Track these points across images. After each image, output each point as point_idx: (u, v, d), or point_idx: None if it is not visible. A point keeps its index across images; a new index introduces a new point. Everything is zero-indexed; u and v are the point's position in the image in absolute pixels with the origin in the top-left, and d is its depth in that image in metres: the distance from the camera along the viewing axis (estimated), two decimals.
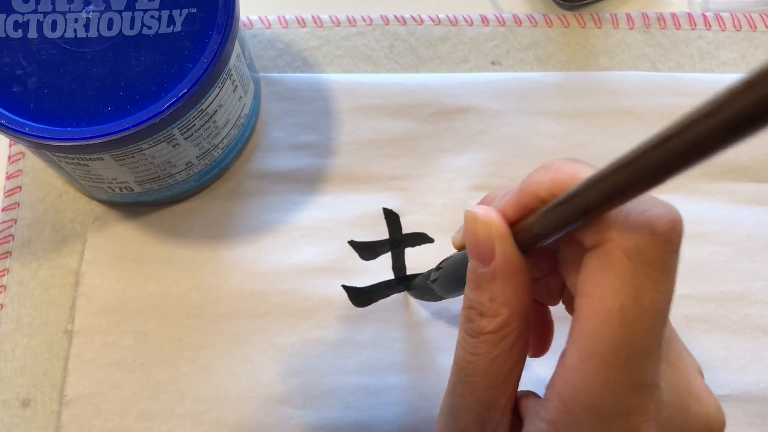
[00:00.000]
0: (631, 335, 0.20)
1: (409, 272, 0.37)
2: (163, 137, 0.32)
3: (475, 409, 0.23)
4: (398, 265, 0.37)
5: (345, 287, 0.36)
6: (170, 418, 0.34)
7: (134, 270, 0.37)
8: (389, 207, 0.38)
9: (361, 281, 0.37)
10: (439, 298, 0.32)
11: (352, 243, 0.37)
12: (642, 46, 0.40)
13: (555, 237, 0.22)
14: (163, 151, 0.33)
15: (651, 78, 0.39)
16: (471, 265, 0.23)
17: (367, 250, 0.37)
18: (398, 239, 0.37)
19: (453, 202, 0.38)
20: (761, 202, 0.37)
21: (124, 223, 0.37)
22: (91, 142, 0.30)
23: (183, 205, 0.38)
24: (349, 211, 0.38)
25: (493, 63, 0.40)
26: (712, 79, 0.39)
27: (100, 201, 0.38)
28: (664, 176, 0.17)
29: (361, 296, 0.36)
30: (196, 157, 0.35)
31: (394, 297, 0.36)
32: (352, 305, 0.36)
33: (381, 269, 0.37)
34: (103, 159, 0.32)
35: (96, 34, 0.32)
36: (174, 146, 0.33)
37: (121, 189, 0.35)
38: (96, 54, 0.32)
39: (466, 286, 0.24)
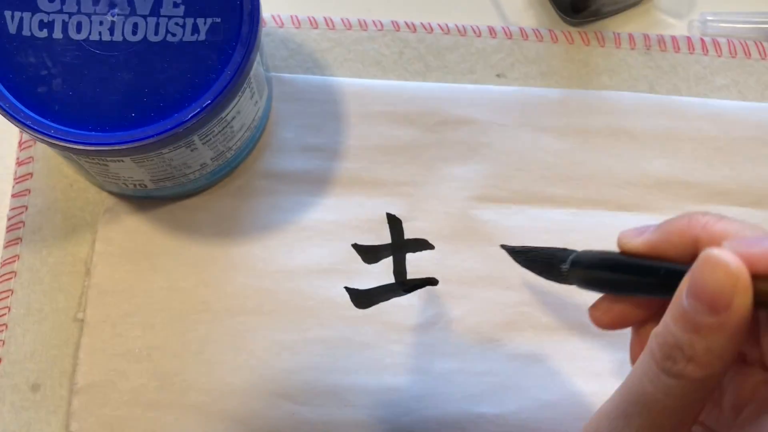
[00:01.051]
0: None
1: (409, 277, 0.38)
2: (184, 143, 0.33)
3: None
4: (399, 269, 0.39)
5: (347, 289, 0.38)
6: (177, 408, 0.36)
7: (144, 263, 0.38)
8: (392, 212, 0.39)
9: (363, 284, 0.38)
10: (563, 281, 0.29)
11: (355, 246, 0.39)
12: (642, 67, 0.42)
13: None
14: (181, 154, 0.34)
15: (648, 100, 0.41)
16: (691, 306, 0.22)
17: (369, 254, 0.39)
18: (400, 244, 0.39)
19: (454, 210, 0.39)
20: None
21: (134, 215, 0.38)
22: (115, 147, 0.31)
23: (193, 200, 0.39)
24: (354, 214, 0.39)
25: (498, 75, 0.41)
26: (705, 104, 0.41)
27: (111, 193, 0.39)
28: None
29: (362, 298, 0.38)
30: (211, 159, 0.36)
31: (395, 300, 0.38)
32: (354, 306, 0.38)
33: (382, 273, 0.38)
34: (123, 161, 0.33)
35: (121, 38, 0.32)
36: (192, 150, 0.34)
37: (135, 185, 0.36)
38: (120, 58, 0.32)
39: (673, 322, 0.22)
